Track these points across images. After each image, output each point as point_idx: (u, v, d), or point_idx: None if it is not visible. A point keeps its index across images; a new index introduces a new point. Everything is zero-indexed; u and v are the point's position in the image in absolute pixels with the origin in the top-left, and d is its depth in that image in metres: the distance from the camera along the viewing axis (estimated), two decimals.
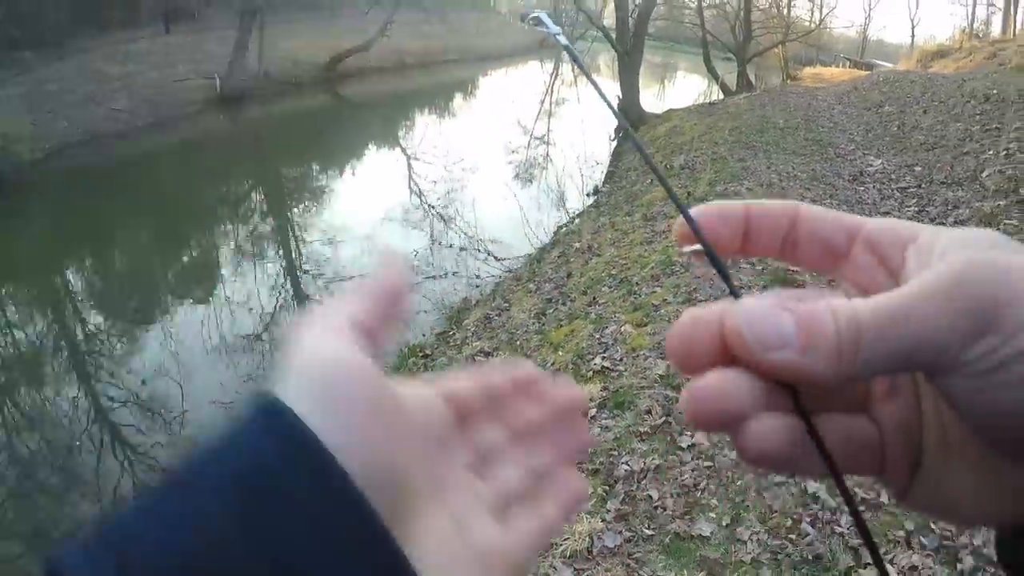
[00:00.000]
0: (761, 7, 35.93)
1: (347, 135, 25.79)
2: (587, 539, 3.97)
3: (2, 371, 10.70)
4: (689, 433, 4.70)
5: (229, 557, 0.36)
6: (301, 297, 12.38)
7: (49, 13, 24.43)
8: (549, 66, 46.27)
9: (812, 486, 4.19)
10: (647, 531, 4.02)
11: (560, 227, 14.24)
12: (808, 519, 4.03)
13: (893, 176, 11.08)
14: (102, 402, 9.48)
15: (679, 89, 42.74)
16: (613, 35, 25.36)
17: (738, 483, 4.31)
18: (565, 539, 3.98)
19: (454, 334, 9.01)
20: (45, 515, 7.20)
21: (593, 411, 5.12)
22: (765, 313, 0.41)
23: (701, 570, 3.72)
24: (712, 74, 31.62)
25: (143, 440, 8.40)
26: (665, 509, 4.13)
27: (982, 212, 8.62)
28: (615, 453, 4.63)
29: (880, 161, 11.94)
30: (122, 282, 14.36)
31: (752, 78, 33.60)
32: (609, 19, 26.52)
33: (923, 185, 10.40)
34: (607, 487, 4.41)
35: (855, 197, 10.19)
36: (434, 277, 12.24)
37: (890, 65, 32.83)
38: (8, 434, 8.94)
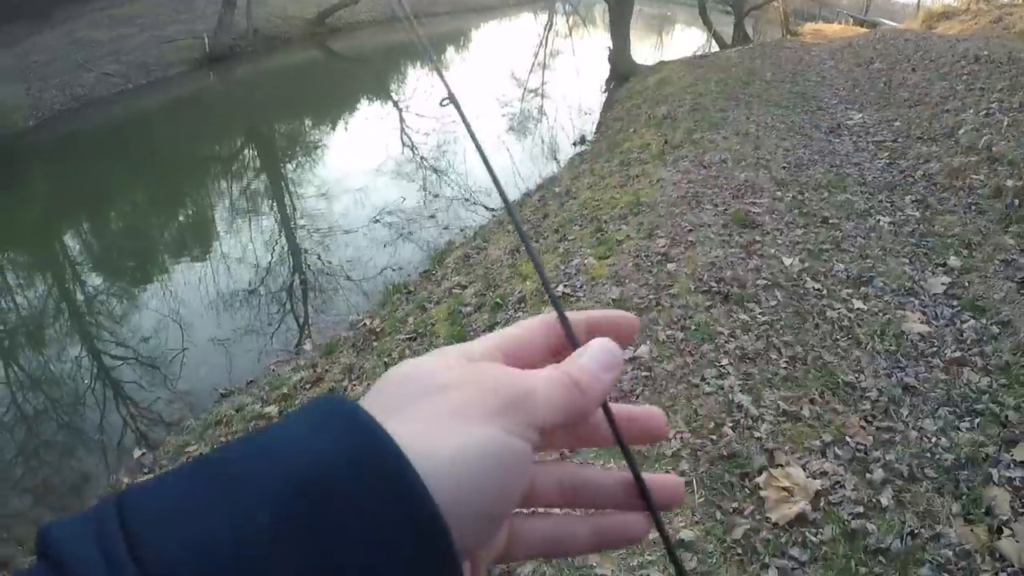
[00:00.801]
0: None
1: (338, 90, 25.81)
2: None
3: (5, 334, 10.84)
4: (632, 347, 5.01)
5: None
6: (296, 251, 12.42)
7: None
8: (543, 17, 46.09)
9: (739, 397, 4.50)
10: None
11: (546, 176, 14.29)
12: (730, 423, 4.36)
13: (871, 130, 11.15)
14: (104, 360, 9.61)
15: (676, 42, 42.17)
16: None
17: (670, 391, 4.68)
18: None
19: (436, 272, 9.27)
20: (51, 470, 7.29)
21: None
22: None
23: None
24: (707, 26, 31.27)
25: (145, 396, 8.48)
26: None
27: (950, 167, 8.74)
28: None
29: (861, 115, 12.02)
30: (120, 243, 14.43)
31: (750, 32, 33.11)
32: None
33: (899, 139, 10.47)
34: None
35: (828, 148, 10.30)
36: (427, 227, 12.36)
37: (895, 24, 32.30)
38: (13, 393, 9.02)
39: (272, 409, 6.42)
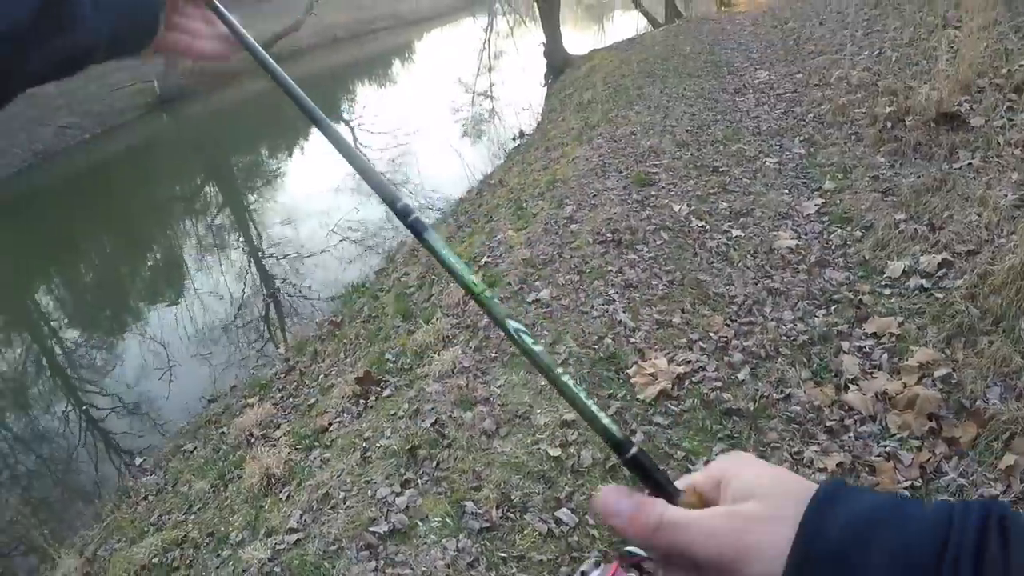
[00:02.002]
0: None
1: (290, 117, 26.12)
2: (451, 364, 5.29)
3: None
4: (535, 293, 5.89)
5: None
6: (268, 278, 12.83)
7: None
8: (483, 20, 46.28)
9: (620, 316, 5.37)
10: (492, 355, 5.30)
11: (488, 172, 14.81)
12: (611, 336, 5.23)
13: (775, 85, 11.63)
14: (92, 413, 9.91)
15: (616, 27, 41.46)
16: None
17: (564, 319, 5.55)
18: (435, 365, 5.32)
19: (388, 268, 10.11)
20: (50, 528, 7.15)
21: None
22: (612, 496, 0.65)
23: (528, 371, 4.95)
24: (638, 8, 31.07)
25: (136, 443, 8.68)
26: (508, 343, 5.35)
27: (838, 104, 9.30)
28: (480, 314, 5.89)
29: (767, 74, 12.46)
30: (93, 293, 14.84)
31: (683, 8, 31.74)
32: None
33: (798, 90, 10.99)
34: (471, 334, 5.70)
35: (732, 107, 10.83)
36: (390, 237, 12.76)
37: None
38: (4, 456, 9.31)
39: (253, 400, 7.10)
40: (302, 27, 33.27)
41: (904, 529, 0.54)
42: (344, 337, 7.56)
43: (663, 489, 0.66)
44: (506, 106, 21.95)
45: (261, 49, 0.98)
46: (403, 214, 0.83)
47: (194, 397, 8.93)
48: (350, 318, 8.24)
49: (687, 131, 9.79)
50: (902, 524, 0.55)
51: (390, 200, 0.85)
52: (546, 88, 23.11)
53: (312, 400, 6.24)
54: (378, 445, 4.69)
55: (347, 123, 24.24)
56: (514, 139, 17.43)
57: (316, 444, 5.22)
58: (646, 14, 30.88)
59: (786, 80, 11.77)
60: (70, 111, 24.16)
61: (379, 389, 5.59)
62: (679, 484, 0.67)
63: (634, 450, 0.67)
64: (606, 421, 0.69)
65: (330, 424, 5.42)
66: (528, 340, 0.73)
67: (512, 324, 0.73)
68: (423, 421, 4.74)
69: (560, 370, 0.71)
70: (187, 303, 12.33)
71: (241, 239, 15.89)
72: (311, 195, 16.43)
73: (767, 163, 8.32)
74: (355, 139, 21.49)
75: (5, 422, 10.28)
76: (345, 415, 5.47)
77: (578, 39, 30.16)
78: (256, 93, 29.63)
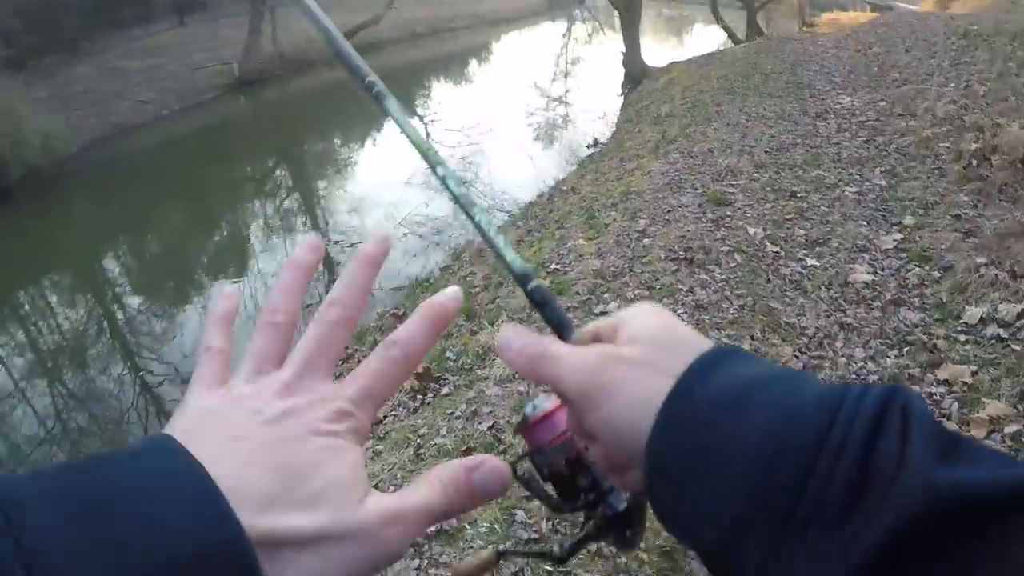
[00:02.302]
0: None
1: (365, 108, 26.25)
2: (512, 369, 5.21)
3: (51, 354, 11.50)
4: (603, 305, 5.82)
5: None
6: (331, 267, 12.49)
7: (63, 18, 25.24)
8: (562, 26, 46.17)
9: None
10: None
11: (560, 178, 14.58)
12: None
13: (857, 112, 11.38)
14: (146, 378, 10.14)
15: (695, 41, 41.08)
16: None
17: None
18: (496, 368, 5.31)
19: (454, 266, 10.12)
20: None
21: None
22: (508, 332, 0.65)
23: None
24: (720, 24, 30.82)
25: None
26: None
27: (922, 137, 9.14)
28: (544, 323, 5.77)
29: (849, 99, 12.20)
30: (158, 263, 15.08)
31: (765, 27, 32.21)
32: None
33: (881, 118, 10.75)
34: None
35: (812, 131, 10.63)
36: (456, 235, 12.79)
37: (911, 7, 31.32)
38: (58, 411, 9.58)
39: None
40: (382, 20, 33.40)
41: (787, 402, 0.51)
42: None
43: (560, 328, 0.71)
44: (580, 113, 21.87)
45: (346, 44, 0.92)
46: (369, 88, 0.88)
47: None
48: (412, 311, 8.18)
49: (766, 152, 9.64)
50: (787, 397, 0.52)
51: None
52: (622, 97, 22.92)
53: None
54: (432, 443, 4.67)
55: (421, 118, 24.28)
56: (588, 147, 17.33)
57: (370, 435, 5.16)
58: (727, 29, 30.65)
59: (869, 107, 11.53)
60: (150, 87, 24.58)
61: (438, 386, 5.58)
62: (586, 328, 0.69)
63: (532, 284, 0.72)
64: (510, 256, 0.73)
65: (385, 417, 5.40)
66: (452, 183, 0.78)
67: (440, 170, 0.78)
68: (480, 424, 4.71)
69: (477, 210, 0.76)
70: (250, 282, 12.49)
71: (307, 224, 16.02)
72: (380, 186, 16.44)
73: (846, 192, 8.15)
74: (428, 134, 21.49)
75: (62, 378, 10.56)
76: (401, 409, 5.46)
77: (657, 50, 29.90)
78: (333, 82, 29.83)
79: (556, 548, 0.81)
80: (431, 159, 0.81)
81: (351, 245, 13.48)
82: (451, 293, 0.61)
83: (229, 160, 21.25)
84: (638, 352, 0.59)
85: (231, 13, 29.92)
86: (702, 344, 0.60)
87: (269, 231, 15.77)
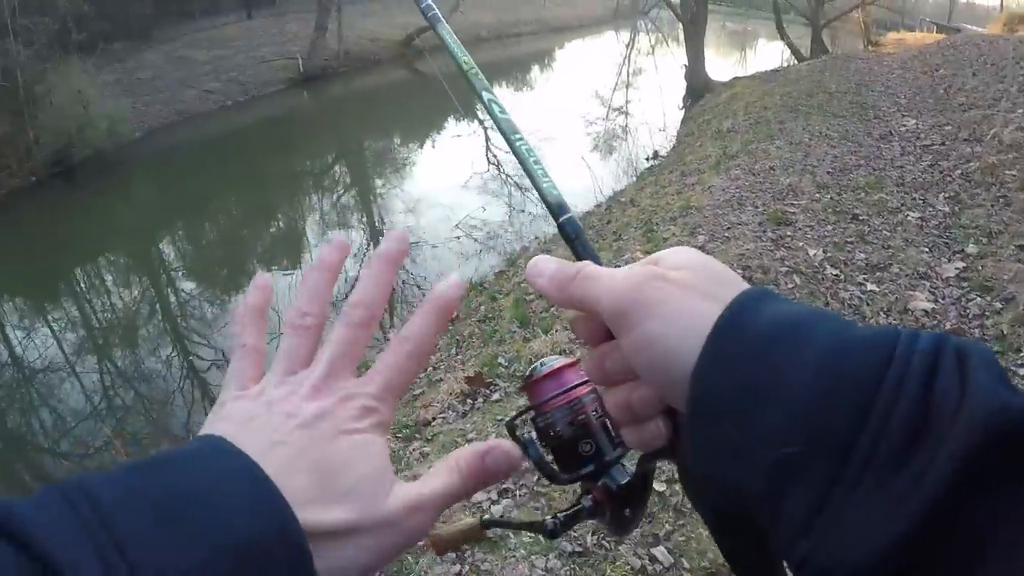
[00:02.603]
0: None
1: (426, 108, 26.23)
2: None
3: (103, 331, 11.68)
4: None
5: None
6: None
7: (134, 6, 25.64)
8: (625, 36, 45.98)
9: None
10: None
11: (618, 189, 14.57)
12: None
13: (922, 135, 11.20)
14: (194, 362, 10.27)
15: (758, 56, 41.30)
16: (677, 3, 24.98)
17: None
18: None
19: (509, 271, 10.10)
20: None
21: None
22: (541, 260, 0.66)
23: None
24: (784, 40, 30.72)
25: None
26: None
27: (987, 163, 8.94)
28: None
29: (914, 122, 12.01)
30: (213, 250, 15.36)
31: (829, 44, 31.92)
32: None
33: (946, 142, 10.57)
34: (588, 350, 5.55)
35: (876, 153, 10.47)
36: (510, 240, 12.90)
37: (979, 29, 30.89)
38: (105, 387, 9.72)
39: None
40: (447, 22, 33.45)
41: (840, 339, 0.49)
42: (457, 333, 7.57)
43: (591, 259, 0.70)
44: (640, 124, 21.58)
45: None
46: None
47: None
48: (465, 315, 8.22)
49: (828, 173, 9.51)
50: (839, 333, 0.50)
51: None
52: (683, 111, 22.78)
53: (418, 391, 6.19)
54: None
55: (481, 122, 24.28)
56: (647, 159, 17.24)
57: (417, 436, 5.16)
58: (791, 46, 30.56)
59: (934, 131, 11.36)
60: (215, 77, 24.95)
61: (488, 392, 5.53)
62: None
63: (565, 216, 0.74)
64: (546, 185, 0.77)
65: (433, 418, 5.37)
66: (496, 108, 0.83)
67: (487, 95, 0.84)
68: (530, 433, 4.61)
69: (519, 136, 0.81)
70: (303, 274, 12.30)
71: (363, 220, 16.14)
72: (437, 188, 16.45)
73: (909, 217, 7.99)
74: (487, 138, 21.53)
75: (112, 355, 10.73)
76: (450, 412, 5.42)
77: (719, 65, 29.74)
78: (394, 81, 30.00)
79: (549, 520, 0.77)
80: (476, 84, 0.85)
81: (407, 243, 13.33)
82: (452, 282, 0.62)
83: (289, 153, 21.37)
84: (683, 275, 0.58)
85: (298, 8, 30.24)
86: (742, 283, 0.58)
87: (325, 225, 15.84)
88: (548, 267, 0.65)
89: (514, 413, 0.79)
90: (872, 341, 0.48)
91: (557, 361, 0.78)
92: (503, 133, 0.82)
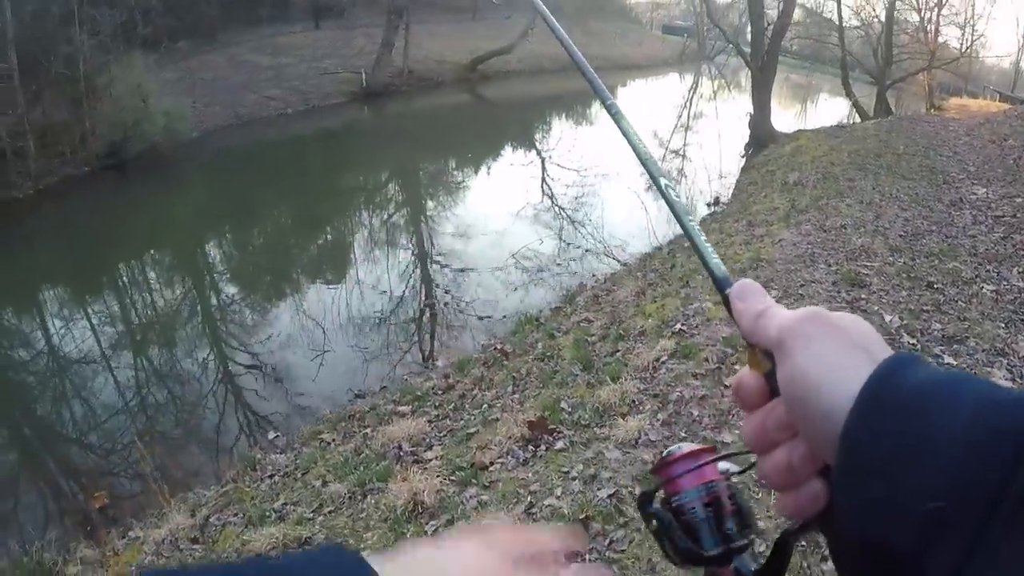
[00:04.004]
0: (907, 31, 34.49)
1: (484, 134, 26.28)
2: (636, 433, 4.85)
3: (141, 328, 11.58)
4: (732, 377, 5.47)
5: None
6: (429, 284, 12.71)
7: (202, 7, 25.88)
8: (689, 79, 46.04)
9: None
10: (682, 434, 4.82)
11: (679, 234, 14.22)
12: None
13: (993, 204, 11.02)
14: (229, 365, 10.10)
15: (819, 110, 41.22)
16: (748, 52, 24.94)
17: None
18: (618, 430, 4.89)
19: (566, 308, 9.67)
20: (164, 460, 7.58)
21: (664, 357, 6.03)
22: (746, 286, 0.69)
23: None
24: (849, 96, 30.64)
25: (264, 407, 8.80)
26: (700, 422, 4.93)
27: None
28: (672, 385, 5.46)
29: (985, 190, 11.81)
30: (259, 257, 15.20)
31: (893, 104, 32.24)
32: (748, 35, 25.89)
33: (1018, 214, 10.37)
34: (660, 404, 5.25)
35: (947, 220, 10.27)
36: (559, 274, 12.56)
37: None
38: (139, 385, 9.59)
39: (406, 409, 6.80)
40: (513, 51, 33.63)
41: (993, 396, 0.49)
42: (514, 369, 7.17)
43: None
44: (700, 169, 21.47)
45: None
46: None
47: (339, 386, 8.87)
48: (522, 350, 7.88)
49: (900, 236, 9.29)
50: (992, 392, 0.50)
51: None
52: (744, 159, 22.61)
53: (472, 429, 5.84)
54: (546, 504, 4.28)
55: (538, 152, 24.25)
56: (708, 205, 16.97)
57: (473, 481, 4.81)
58: (856, 104, 30.36)
59: (1005, 202, 11.14)
60: (277, 84, 25.12)
61: (551, 439, 5.16)
62: None
63: (729, 290, 0.72)
64: (715, 262, 0.77)
65: (491, 463, 5.01)
66: (672, 193, 0.87)
67: (663, 181, 0.88)
68: (599, 490, 4.30)
69: (691, 218, 0.83)
70: (346, 289, 12.41)
71: (412, 240, 15.93)
72: (489, 215, 16.34)
73: (984, 289, 7.65)
74: (543, 169, 21.46)
75: (148, 353, 10.64)
76: (510, 457, 5.06)
77: (781, 115, 29.54)
78: (456, 104, 30.08)
79: None
80: (653, 170, 0.90)
81: (452, 268, 13.35)
82: None
83: (344, 166, 21.48)
84: (844, 322, 0.60)
85: (366, 23, 30.40)
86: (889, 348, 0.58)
87: (373, 242, 15.72)
88: (751, 294, 0.69)
89: (649, 489, 0.76)
90: (1020, 401, 0.48)
91: (690, 447, 0.77)
92: (676, 215, 0.85)
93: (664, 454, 0.77)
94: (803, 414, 0.57)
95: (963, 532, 0.45)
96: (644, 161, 0.92)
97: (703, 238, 0.80)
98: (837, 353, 0.57)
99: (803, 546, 3.58)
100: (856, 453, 0.52)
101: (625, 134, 0.97)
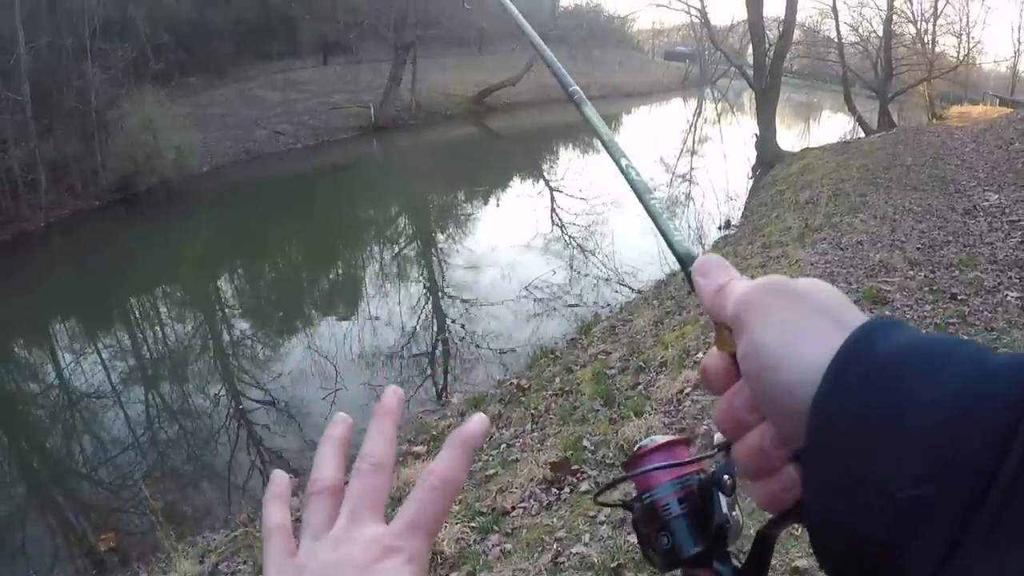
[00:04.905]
0: (905, 44, 35.12)
1: (493, 166, 26.35)
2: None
3: (153, 363, 11.52)
4: None
5: None
6: (442, 318, 12.66)
7: (213, 42, 26.04)
8: (692, 103, 46.20)
9: None
10: (711, 469, 4.74)
11: None
12: None
13: (1007, 210, 11.00)
14: (241, 402, 10.04)
15: (822, 127, 41.89)
16: (751, 73, 25.23)
17: None
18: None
19: (583, 340, 9.57)
20: (174, 498, 7.61)
21: (688, 389, 5.90)
22: (708, 261, 0.64)
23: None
24: (852, 112, 31.04)
25: (276, 442, 8.77)
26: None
27: None
28: (698, 418, 5.33)
29: (997, 196, 11.83)
30: (270, 291, 15.14)
31: (895, 117, 32.62)
32: (750, 58, 26.23)
33: None
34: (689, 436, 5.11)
35: (963, 229, 10.24)
36: (572, 305, 12.48)
37: None
38: (150, 420, 9.53)
39: (421, 449, 6.67)
40: (519, 82, 33.80)
41: (984, 362, 0.43)
42: (532, 406, 7.03)
43: None
44: (707, 191, 21.53)
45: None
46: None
47: (352, 413, 8.67)
48: (539, 385, 7.75)
49: (918, 249, 9.27)
50: (983, 357, 0.44)
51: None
52: (752, 180, 22.73)
53: (491, 471, 5.70)
54: (573, 552, 4.10)
55: (547, 182, 24.27)
56: (719, 227, 17.03)
57: (495, 528, 4.67)
58: (860, 119, 30.75)
59: (1019, 206, 11.15)
60: (287, 119, 25.25)
61: (575, 480, 5.01)
62: None
63: (691, 267, 0.67)
64: (678, 238, 0.73)
65: (513, 507, 4.87)
66: (633, 173, 0.85)
67: (624, 161, 0.87)
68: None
69: (652, 196, 0.81)
70: (358, 324, 12.36)
71: (423, 274, 15.92)
72: (499, 246, 16.29)
73: (1009, 297, 7.57)
74: (552, 199, 21.47)
75: (159, 388, 10.60)
76: (532, 502, 4.91)
77: (786, 135, 29.64)
78: (464, 137, 30.21)
79: None
80: (614, 152, 0.88)
81: (463, 301, 13.28)
82: (477, 420, 0.62)
83: (354, 201, 21.50)
84: (806, 288, 0.54)
85: (374, 58, 30.47)
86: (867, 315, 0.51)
87: (384, 276, 15.69)
88: (713, 268, 0.63)
89: (609, 481, 0.73)
90: (1018, 365, 0.42)
91: (664, 438, 0.72)
92: (636, 191, 0.83)
93: (635, 449, 0.73)
94: (764, 392, 0.53)
95: (946, 520, 0.40)
96: (605, 142, 0.90)
97: (665, 215, 0.77)
98: (797, 323, 0.52)
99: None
100: (824, 428, 0.46)
101: (586, 116, 0.96)
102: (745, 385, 0.55)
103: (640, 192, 0.82)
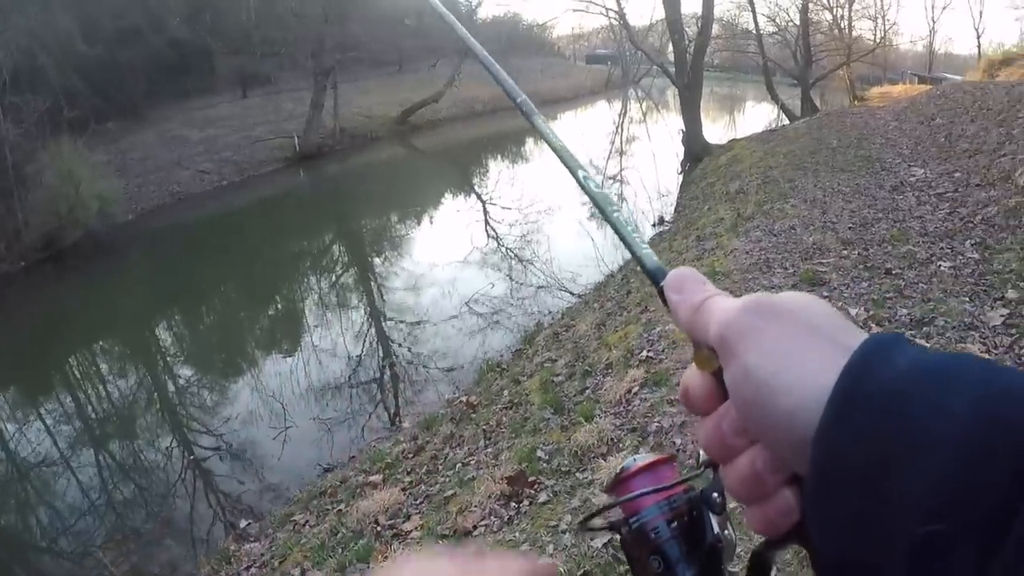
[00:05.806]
0: (822, 30, 35.93)
1: (423, 184, 26.35)
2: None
3: (99, 422, 11.29)
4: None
5: None
6: (387, 342, 12.61)
7: (126, 83, 25.72)
8: (617, 105, 46.52)
9: None
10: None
11: (628, 258, 14.32)
12: None
13: (933, 184, 11.19)
14: (194, 451, 9.86)
15: (747, 118, 42.47)
16: (673, 71, 25.42)
17: None
18: (602, 472, 4.76)
19: (527, 350, 9.60)
20: (138, 559, 7.43)
21: (636, 388, 5.89)
22: (681, 275, 0.61)
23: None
24: (775, 101, 31.58)
25: (234, 487, 8.65)
26: (684, 450, 4.74)
27: (1007, 207, 8.84)
28: (649, 416, 5.33)
29: (923, 171, 12.05)
30: (211, 334, 15.01)
31: (818, 102, 33.39)
32: (671, 55, 26.54)
33: (959, 189, 10.54)
34: (640, 438, 5.10)
35: (892, 205, 10.40)
36: (515, 316, 12.53)
37: (959, 78, 31.59)
38: (104, 482, 9.32)
39: (377, 478, 6.59)
40: (442, 99, 33.85)
41: (997, 381, 0.41)
42: (483, 422, 7.00)
43: None
44: (639, 190, 21.85)
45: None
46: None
47: (307, 459, 8.75)
48: (488, 400, 7.73)
49: (850, 228, 9.40)
50: (995, 377, 0.41)
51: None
52: (682, 175, 22.98)
53: (449, 491, 5.64)
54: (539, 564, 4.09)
55: (478, 195, 24.32)
56: (653, 225, 17.16)
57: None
58: (783, 107, 31.34)
59: (944, 179, 11.35)
60: (210, 157, 25.00)
61: (533, 492, 4.98)
62: None
63: (664, 282, 0.64)
64: (645, 252, 0.70)
65: (474, 527, 4.82)
66: (592, 184, 0.81)
67: (581, 172, 0.83)
68: (594, 540, 4.08)
69: (614, 207, 0.77)
70: (302, 357, 12.25)
71: (363, 300, 15.85)
72: (437, 264, 16.26)
73: (942, 267, 7.74)
74: (485, 212, 21.52)
75: (109, 448, 10.39)
76: (493, 518, 4.87)
77: (712, 128, 30.00)
78: (391, 157, 30.18)
79: None
80: (570, 163, 0.86)
81: (405, 322, 13.32)
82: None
83: (286, 233, 21.29)
84: (794, 305, 0.51)
85: (293, 88, 30.31)
86: (864, 332, 0.49)
87: (324, 307, 15.60)
88: (687, 283, 0.60)
89: (595, 509, 0.69)
90: None
91: (649, 457, 0.71)
92: (598, 206, 0.79)
93: (619, 470, 0.71)
94: (760, 420, 0.50)
95: (962, 562, 0.37)
96: (559, 153, 0.88)
97: (630, 228, 0.73)
98: (792, 345, 0.49)
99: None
100: (830, 462, 0.44)
101: (537, 128, 0.92)
102: (732, 408, 0.53)
103: (602, 205, 0.78)
